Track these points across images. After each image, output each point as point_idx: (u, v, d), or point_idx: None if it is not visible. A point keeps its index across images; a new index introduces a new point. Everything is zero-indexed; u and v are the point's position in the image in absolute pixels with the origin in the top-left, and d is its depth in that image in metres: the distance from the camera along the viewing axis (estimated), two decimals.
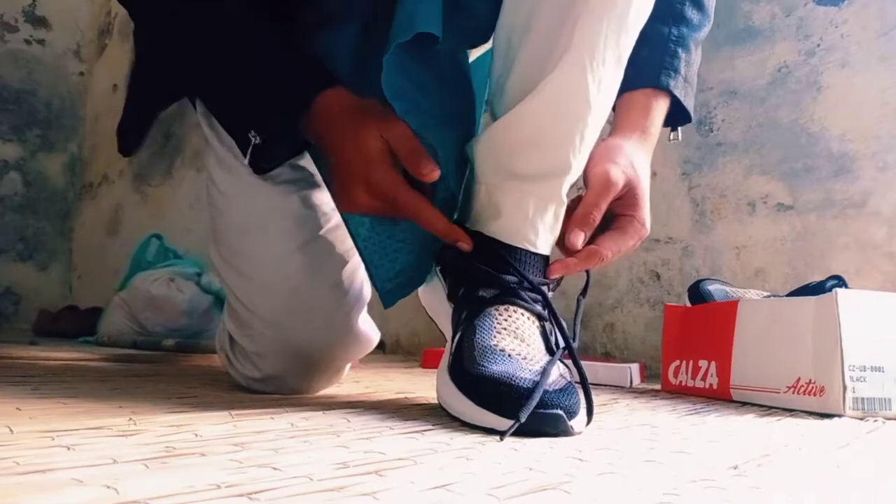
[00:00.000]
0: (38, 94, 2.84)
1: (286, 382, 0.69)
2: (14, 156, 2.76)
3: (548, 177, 0.58)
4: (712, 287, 0.92)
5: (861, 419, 0.65)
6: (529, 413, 0.46)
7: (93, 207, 2.83)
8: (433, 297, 0.66)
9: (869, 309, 0.69)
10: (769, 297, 0.88)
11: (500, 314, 0.56)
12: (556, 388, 0.50)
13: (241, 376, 0.71)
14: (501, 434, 0.46)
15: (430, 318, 0.67)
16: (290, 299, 0.67)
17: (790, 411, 0.70)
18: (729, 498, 0.33)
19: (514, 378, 0.49)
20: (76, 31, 2.96)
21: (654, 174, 1.35)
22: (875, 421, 0.64)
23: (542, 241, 0.59)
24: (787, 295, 0.85)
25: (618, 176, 0.61)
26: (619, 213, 0.64)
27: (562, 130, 0.57)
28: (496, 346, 0.53)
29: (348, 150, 0.58)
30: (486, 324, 0.55)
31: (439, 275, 0.64)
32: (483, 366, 0.52)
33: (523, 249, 0.58)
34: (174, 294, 1.50)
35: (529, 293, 0.57)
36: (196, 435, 0.42)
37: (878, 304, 0.70)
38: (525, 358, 0.53)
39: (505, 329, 0.55)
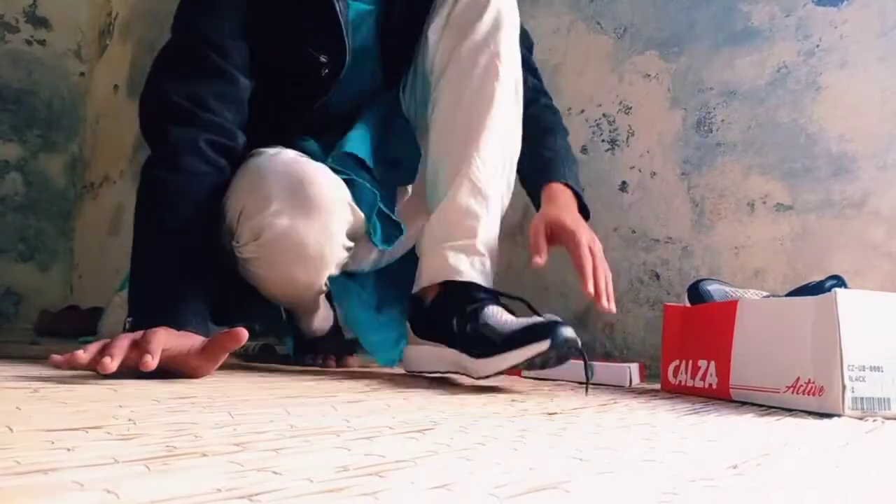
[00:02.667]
0: (38, 95, 2.84)
1: (286, 228, 0.85)
2: (15, 156, 2.76)
3: (460, 246, 0.87)
4: (712, 287, 0.93)
5: (860, 419, 0.65)
6: (553, 326, 0.75)
7: (94, 207, 2.83)
8: (418, 356, 0.89)
9: (868, 309, 0.69)
10: (768, 296, 0.88)
11: (489, 309, 0.81)
12: None
13: (244, 260, 0.88)
14: (547, 351, 0.74)
15: (428, 372, 0.89)
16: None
17: (789, 411, 0.70)
18: (728, 497, 0.34)
19: (529, 319, 0.78)
20: (77, 31, 2.97)
21: (653, 174, 1.37)
22: (874, 421, 0.65)
23: (469, 272, 0.85)
24: (787, 295, 0.85)
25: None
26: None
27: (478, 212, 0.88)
28: (504, 321, 0.80)
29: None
30: (489, 312, 0.81)
31: (416, 337, 0.89)
32: (508, 328, 0.78)
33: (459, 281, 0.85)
34: None
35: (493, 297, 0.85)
36: (196, 436, 0.42)
37: (878, 304, 0.71)
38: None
39: (500, 314, 0.81)
